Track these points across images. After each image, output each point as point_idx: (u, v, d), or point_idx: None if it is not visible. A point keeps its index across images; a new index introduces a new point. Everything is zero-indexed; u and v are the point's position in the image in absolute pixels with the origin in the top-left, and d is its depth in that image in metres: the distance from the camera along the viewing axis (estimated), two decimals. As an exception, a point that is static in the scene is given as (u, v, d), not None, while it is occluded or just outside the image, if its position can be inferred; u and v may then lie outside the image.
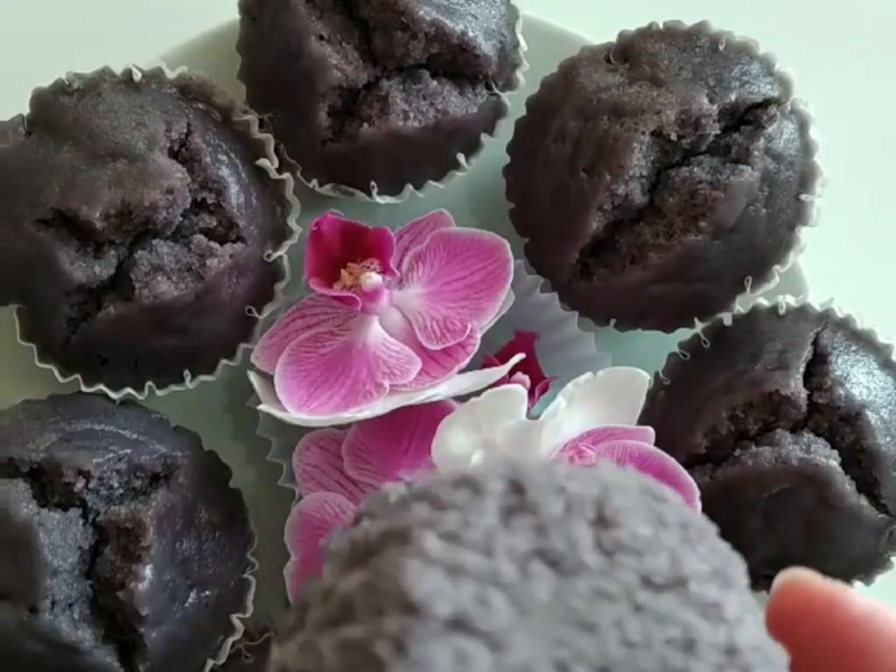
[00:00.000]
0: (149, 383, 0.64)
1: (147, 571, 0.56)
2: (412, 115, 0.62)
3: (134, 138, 0.60)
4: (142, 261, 0.59)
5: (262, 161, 0.64)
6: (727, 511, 0.60)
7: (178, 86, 0.63)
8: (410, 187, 0.66)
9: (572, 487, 0.28)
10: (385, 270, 0.62)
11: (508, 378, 0.62)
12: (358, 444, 0.63)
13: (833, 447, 0.59)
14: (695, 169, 0.60)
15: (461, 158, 0.66)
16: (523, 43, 0.65)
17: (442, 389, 0.61)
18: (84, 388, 0.63)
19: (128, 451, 0.59)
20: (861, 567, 0.62)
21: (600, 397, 0.60)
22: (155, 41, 0.67)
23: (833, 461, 0.58)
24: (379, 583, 0.26)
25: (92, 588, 0.57)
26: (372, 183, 0.65)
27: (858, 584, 0.63)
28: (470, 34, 0.61)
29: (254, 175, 0.63)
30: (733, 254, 0.61)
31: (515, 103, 0.66)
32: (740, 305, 0.65)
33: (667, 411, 0.64)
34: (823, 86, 0.65)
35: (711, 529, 0.31)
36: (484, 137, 0.66)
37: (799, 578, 0.33)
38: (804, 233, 0.63)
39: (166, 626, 0.57)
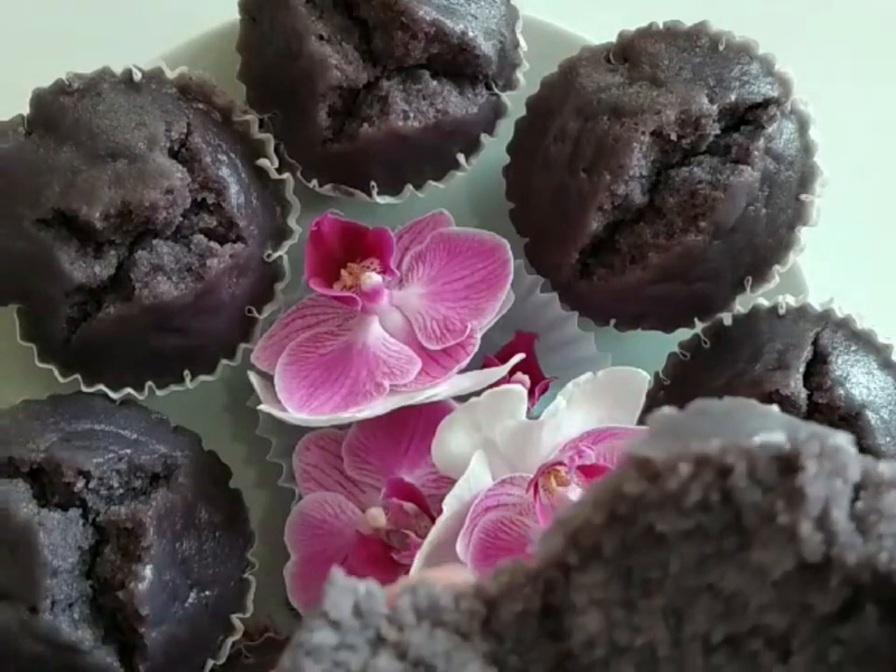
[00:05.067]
0: (149, 383, 0.64)
1: (147, 571, 0.56)
2: (412, 115, 0.62)
3: (134, 138, 0.60)
4: (142, 261, 0.59)
5: (262, 161, 0.64)
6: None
7: (178, 86, 0.63)
8: (410, 187, 0.66)
9: None
10: (385, 270, 0.62)
11: (508, 378, 0.62)
12: (358, 444, 0.63)
13: (833, 447, 0.59)
14: (695, 169, 0.60)
15: (461, 158, 0.66)
16: (523, 43, 0.65)
17: (442, 389, 0.61)
18: (84, 388, 0.63)
19: (128, 451, 0.59)
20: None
21: (600, 397, 0.60)
22: (155, 41, 0.68)
23: (833, 461, 0.58)
24: None
25: (92, 588, 0.57)
26: (372, 183, 0.65)
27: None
28: (470, 34, 0.61)
29: (254, 174, 0.64)
30: (733, 254, 0.61)
31: (515, 103, 0.66)
32: (740, 305, 0.65)
33: (667, 411, 0.64)
34: (823, 86, 0.65)
35: None
36: (484, 137, 0.66)
37: None
38: (804, 233, 0.63)
39: (166, 626, 0.57)
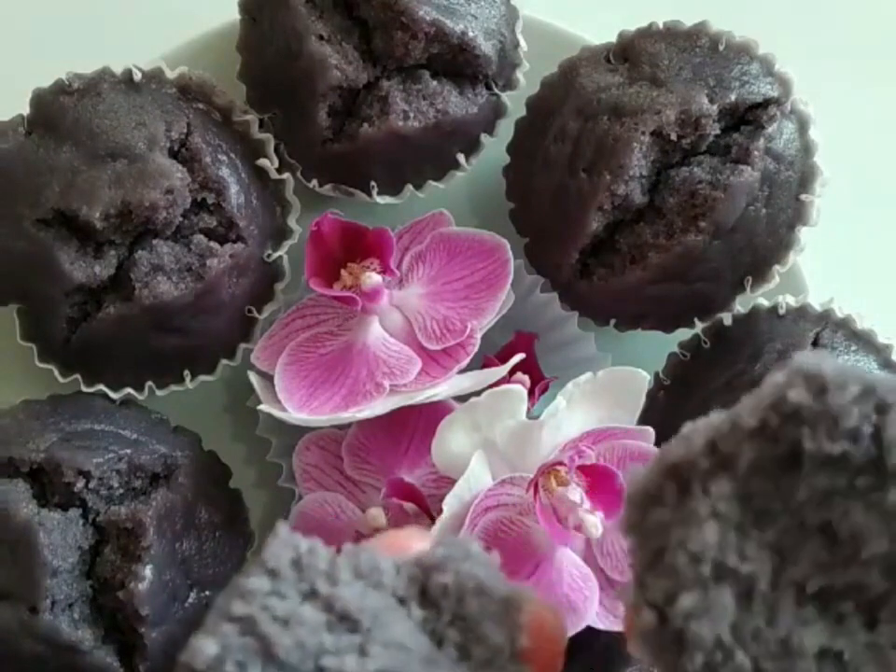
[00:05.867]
0: (149, 383, 0.64)
1: (147, 571, 0.56)
2: (412, 115, 0.62)
3: (134, 138, 0.60)
4: (142, 261, 0.59)
5: (262, 161, 0.64)
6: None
7: (178, 86, 0.63)
8: (410, 187, 0.66)
9: None
10: (385, 270, 0.62)
11: (508, 378, 0.62)
12: (358, 444, 0.63)
13: (833, 447, 0.59)
14: (695, 169, 0.60)
15: (461, 158, 0.66)
16: (523, 43, 0.65)
17: (442, 389, 0.61)
18: (84, 388, 0.63)
19: (128, 451, 0.59)
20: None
21: (600, 397, 0.60)
22: (155, 41, 0.68)
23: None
24: None
25: (92, 588, 0.57)
26: (372, 183, 0.65)
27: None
28: (470, 34, 0.61)
29: (254, 174, 0.64)
30: (733, 254, 0.61)
31: (515, 103, 0.66)
32: (740, 305, 0.65)
33: (667, 411, 0.64)
34: (823, 86, 0.65)
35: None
36: (484, 137, 0.66)
37: None
38: (804, 233, 0.63)
39: (166, 626, 0.57)
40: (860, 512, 0.30)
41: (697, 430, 0.32)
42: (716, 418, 0.32)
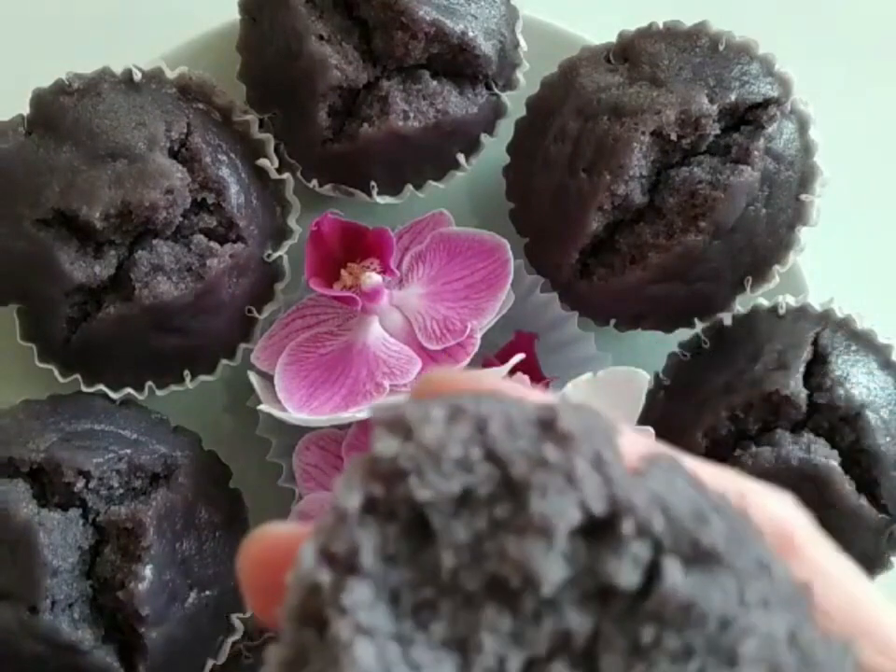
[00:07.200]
0: (149, 383, 0.64)
1: (147, 571, 0.56)
2: (412, 115, 0.62)
3: (134, 138, 0.60)
4: (142, 261, 0.59)
5: (262, 161, 0.64)
6: (727, 510, 0.60)
7: (178, 86, 0.63)
8: (410, 187, 0.66)
9: None
10: (385, 270, 0.62)
11: (508, 378, 0.62)
12: (358, 444, 0.63)
13: (833, 447, 0.59)
14: (695, 169, 0.60)
15: (461, 158, 0.66)
16: (523, 43, 0.65)
17: (442, 389, 0.60)
18: (84, 388, 0.63)
19: (128, 451, 0.59)
20: (861, 567, 0.62)
21: (600, 397, 0.60)
22: (155, 41, 0.68)
23: (833, 461, 0.58)
24: None
25: (92, 588, 0.57)
26: (372, 183, 0.65)
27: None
28: (470, 34, 0.61)
29: (254, 174, 0.64)
30: (733, 254, 0.61)
31: (515, 103, 0.66)
32: (740, 305, 0.65)
33: (667, 411, 0.64)
34: (823, 86, 0.65)
35: None
36: (484, 137, 0.66)
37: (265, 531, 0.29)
38: (804, 233, 0.63)
39: (166, 626, 0.57)
40: (514, 545, 0.25)
41: (306, 546, 0.25)
42: (319, 520, 0.26)
